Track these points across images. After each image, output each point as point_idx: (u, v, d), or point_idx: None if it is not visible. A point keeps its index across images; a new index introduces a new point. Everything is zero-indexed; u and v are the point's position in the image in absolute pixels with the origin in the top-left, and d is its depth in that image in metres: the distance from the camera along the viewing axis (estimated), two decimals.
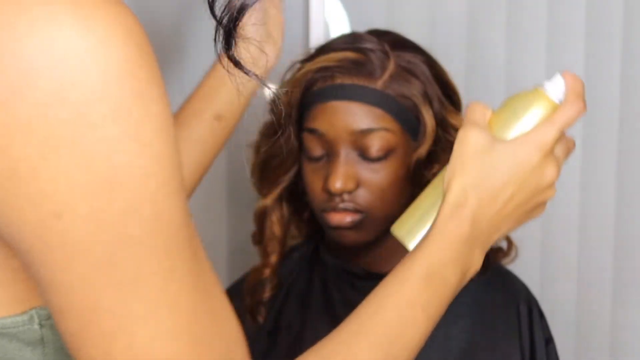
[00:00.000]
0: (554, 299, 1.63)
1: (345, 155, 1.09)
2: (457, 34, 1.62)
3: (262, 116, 1.22)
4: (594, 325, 1.65)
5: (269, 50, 1.12)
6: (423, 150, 1.10)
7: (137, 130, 0.52)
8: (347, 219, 1.09)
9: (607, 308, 1.64)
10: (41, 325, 0.59)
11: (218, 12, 0.63)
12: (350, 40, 1.13)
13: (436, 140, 1.11)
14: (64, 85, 0.50)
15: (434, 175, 1.11)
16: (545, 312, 1.22)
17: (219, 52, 0.64)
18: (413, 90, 1.09)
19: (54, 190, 0.51)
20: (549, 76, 1.65)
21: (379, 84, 1.09)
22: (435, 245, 0.78)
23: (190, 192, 1.11)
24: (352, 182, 1.08)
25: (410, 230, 0.87)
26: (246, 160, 1.24)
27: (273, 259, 1.20)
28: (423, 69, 1.11)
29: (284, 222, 1.21)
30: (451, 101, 1.14)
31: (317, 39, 1.44)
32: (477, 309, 1.15)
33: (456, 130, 1.11)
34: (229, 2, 0.63)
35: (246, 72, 0.66)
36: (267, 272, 1.20)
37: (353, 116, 1.08)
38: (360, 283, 1.17)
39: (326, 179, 1.09)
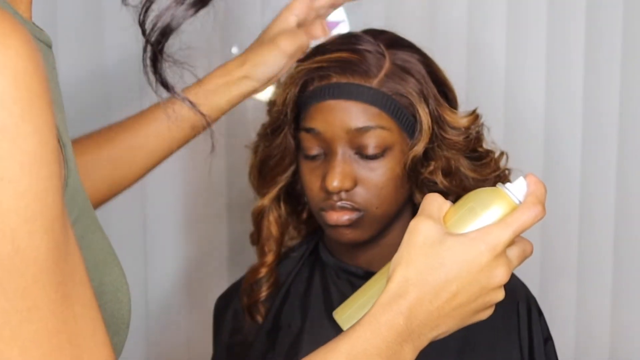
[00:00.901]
0: (554, 299, 1.63)
1: (342, 153, 1.09)
2: (457, 34, 1.62)
3: (260, 118, 1.23)
4: (594, 325, 1.65)
5: (272, 58, 1.12)
6: (419, 148, 1.10)
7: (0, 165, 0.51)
8: (345, 217, 1.10)
9: (607, 308, 1.64)
10: None
11: (148, 30, 0.63)
12: (346, 40, 1.13)
13: (432, 138, 1.11)
14: None
15: (431, 173, 1.11)
16: (545, 312, 1.22)
17: (145, 70, 0.64)
18: (409, 88, 1.10)
19: None
20: (549, 76, 1.66)
21: (374, 83, 1.09)
22: (363, 332, 0.75)
23: (136, 178, 1.13)
24: (350, 180, 1.08)
25: (351, 315, 0.84)
26: (245, 161, 1.25)
27: (270, 258, 1.21)
28: (419, 67, 1.12)
29: (281, 222, 1.21)
30: (447, 99, 1.14)
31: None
32: None
33: (452, 127, 1.11)
34: (155, 23, 0.62)
35: (175, 95, 0.66)
36: (263, 271, 1.21)
37: (349, 115, 1.08)
38: (359, 282, 1.17)
39: (323, 177, 1.09)
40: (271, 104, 1.18)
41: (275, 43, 1.13)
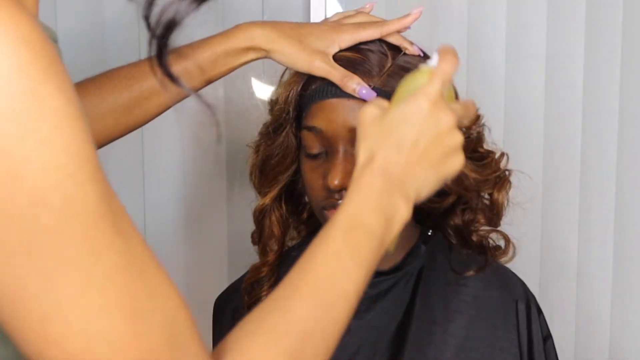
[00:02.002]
0: (554, 298, 1.63)
1: (344, 152, 1.09)
2: (457, 34, 1.62)
3: (261, 116, 1.23)
4: (594, 325, 1.65)
5: (298, 63, 1.11)
6: None
7: (34, 127, 0.54)
8: None
9: (607, 308, 1.65)
10: None
11: (152, 24, 0.65)
12: None
13: None
14: None
15: None
16: (545, 312, 1.22)
17: (150, 63, 0.67)
18: None
19: None
20: (549, 76, 1.66)
21: (376, 82, 1.09)
22: (352, 200, 0.82)
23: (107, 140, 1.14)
24: (351, 178, 1.08)
25: None
26: (245, 160, 1.24)
27: (271, 257, 1.21)
28: None
29: (283, 221, 1.21)
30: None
31: None
32: (475, 306, 1.16)
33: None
34: (159, 17, 0.65)
35: (180, 86, 0.69)
36: (265, 270, 1.21)
37: (351, 113, 1.08)
38: None
39: (325, 176, 1.09)
40: (273, 102, 1.18)
41: (311, 57, 1.11)
